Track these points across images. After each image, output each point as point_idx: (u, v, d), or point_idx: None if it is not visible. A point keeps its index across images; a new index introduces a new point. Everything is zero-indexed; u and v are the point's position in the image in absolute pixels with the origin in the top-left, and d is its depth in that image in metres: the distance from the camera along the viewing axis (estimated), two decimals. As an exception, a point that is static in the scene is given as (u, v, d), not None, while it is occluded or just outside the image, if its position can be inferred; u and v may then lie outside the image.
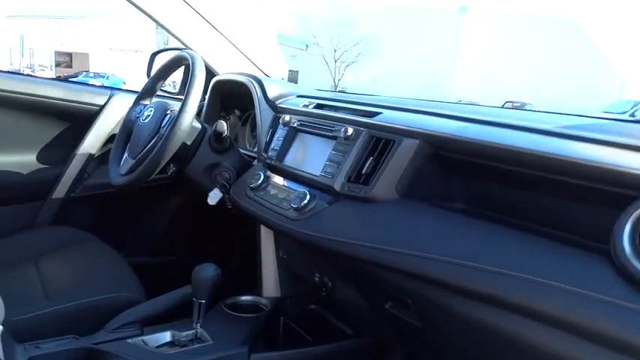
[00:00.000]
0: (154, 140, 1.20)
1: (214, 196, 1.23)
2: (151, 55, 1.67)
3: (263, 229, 1.24)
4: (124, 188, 1.22)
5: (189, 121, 1.12)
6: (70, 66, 26.05)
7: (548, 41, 23.96)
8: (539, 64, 23.58)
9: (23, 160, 1.50)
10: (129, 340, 0.98)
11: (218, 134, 1.22)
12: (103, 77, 19.50)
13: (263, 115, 1.26)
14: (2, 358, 0.81)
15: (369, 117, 0.96)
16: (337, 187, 0.92)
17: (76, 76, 18.54)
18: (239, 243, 1.47)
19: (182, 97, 1.18)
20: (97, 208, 1.59)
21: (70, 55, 27.74)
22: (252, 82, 1.32)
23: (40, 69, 24.93)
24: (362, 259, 0.85)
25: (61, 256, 1.31)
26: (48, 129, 1.51)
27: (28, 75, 1.47)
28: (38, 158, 1.52)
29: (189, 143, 1.24)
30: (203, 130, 1.27)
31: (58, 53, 27.60)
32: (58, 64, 26.43)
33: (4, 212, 1.47)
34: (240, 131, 1.51)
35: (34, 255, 1.28)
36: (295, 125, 1.10)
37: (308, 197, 0.93)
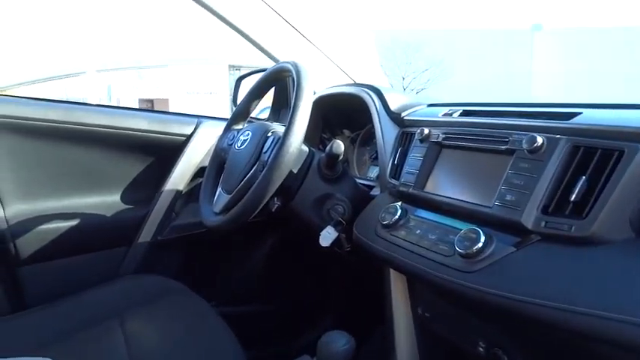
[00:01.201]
0: (253, 169, 0.97)
1: (328, 236, 0.97)
2: (237, 81, 1.48)
3: (393, 276, 0.96)
4: (220, 229, 0.99)
5: (298, 142, 0.89)
6: (152, 111, 27.71)
7: (623, 53, 22.30)
8: (618, 79, 21.93)
9: (107, 201, 1.34)
10: None
11: (332, 158, 0.98)
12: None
13: (385, 131, 1.00)
14: None
15: (565, 119, 0.67)
16: (528, 222, 0.63)
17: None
18: (356, 294, 1.20)
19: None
20: (184, 252, 1.39)
21: (151, 101, 29.59)
22: (367, 93, 1.07)
23: (126, 116, 26.68)
24: (577, 331, 0.55)
25: (147, 311, 1.11)
26: (132, 165, 1.35)
27: (107, 106, 1.29)
28: (122, 198, 1.35)
29: (295, 171, 1.00)
30: (311, 155, 1.03)
31: (141, 100, 29.56)
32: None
33: (88, 260, 1.31)
34: (349, 155, 1.26)
35: (120, 310, 1.09)
36: (439, 140, 0.83)
37: (483, 238, 0.65)
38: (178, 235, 1.36)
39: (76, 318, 1.09)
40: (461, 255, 0.66)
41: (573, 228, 0.59)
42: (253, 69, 1.46)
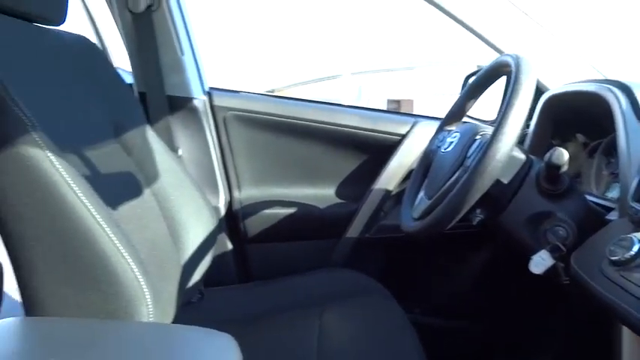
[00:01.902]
0: (455, 175, 0.88)
1: (541, 263, 0.82)
2: (465, 78, 1.38)
3: (626, 333, 0.74)
4: (415, 236, 0.93)
5: (506, 148, 0.76)
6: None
7: None
8: None
9: (323, 193, 1.41)
10: None
11: (552, 169, 0.81)
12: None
13: (632, 140, 0.78)
14: None
15: None
16: None
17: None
18: (575, 339, 0.99)
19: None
20: (388, 253, 1.37)
21: (398, 102, 30.89)
22: (612, 92, 0.85)
23: (373, 116, 28.50)
24: None
25: (345, 307, 1.13)
26: (347, 161, 1.39)
27: (330, 103, 1.36)
28: (336, 192, 1.40)
29: (506, 181, 0.86)
30: (528, 164, 0.88)
31: (389, 101, 31.15)
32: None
33: (302, 247, 1.41)
34: (584, 167, 1.04)
35: (321, 301, 1.13)
36: None
37: None
38: (384, 235, 1.35)
39: (282, 300, 1.18)
40: None
41: None
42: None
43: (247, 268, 1.40)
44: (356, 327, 1.07)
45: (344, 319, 1.10)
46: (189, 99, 1.29)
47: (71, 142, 0.77)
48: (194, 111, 1.30)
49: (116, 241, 0.72)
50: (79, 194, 0.71)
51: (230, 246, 1.36)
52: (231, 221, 1.36)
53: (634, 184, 0.73)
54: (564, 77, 1.13)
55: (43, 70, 0.82)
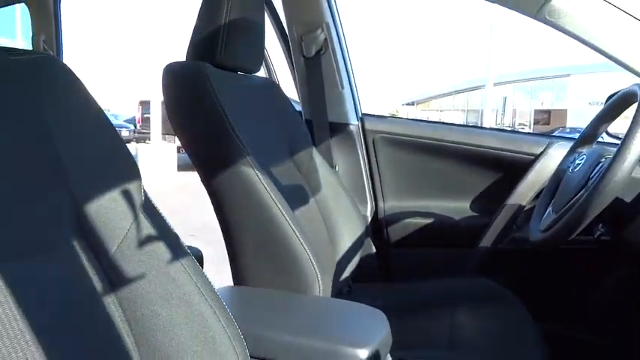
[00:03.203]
0: (580, 193, 1.00)
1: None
2: (607, 98, 1.44)
3: None
4: (539, 246, 1.06)
5: (626, 170, 0.86)
6: (547, 123, 26.90)
7: None
8: None
9: (459, 206, 1.57)
10: None
11: (672, 190, 0.89)
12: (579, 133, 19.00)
13: None
14: None
15: None
16: None
17: (552, 133, 18.88)
18: None
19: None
20: (520, 264, 1.48)
21: (548, 112, 28.69)
22: None
23: (520, 127, 26.86)
24: None
25: (475, 309, 1.28)
26: (481, 177, 1.54)
27: (466, 125, 1.52)
28: (471, 206, 1.56)
29: (628, 200, 0.96)
30: (653, 185, 0.96)
31: (537, 111, 29.08)
32: (536, 122, 27.78)
33: (439, 254, 1.58)
34: None
35: (453, 302, 1.30)
36: None
37: None
38: (517, 247, 1.46)
39: (419, 298, 1.36)
40: None
41: None
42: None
43: (389, 270, 1.61)
44: (485, 326, 1.22)
45: (474, 319, 1.25)
46: (346, 124, 1.56)
47: (265, 161, 1.06)
48: (349, 134, 1.56)
49: (299, 236, 0.99)
50: (275, 199, 1.00)
51: (374, 249, 1.59)
52: (377, 228, 1.60)
53: None
54: None
55: (246, 107, 1.13)
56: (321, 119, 1.53)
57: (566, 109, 26.55)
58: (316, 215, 1.30)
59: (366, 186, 1.59)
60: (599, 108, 1.44)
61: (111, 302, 0.62)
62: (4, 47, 0.62)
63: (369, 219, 1.58)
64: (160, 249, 0.67)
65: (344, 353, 0.76)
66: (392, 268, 1.61)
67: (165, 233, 0.68)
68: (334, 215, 1.35)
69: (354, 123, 1.57)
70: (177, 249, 0.68)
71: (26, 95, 0.59)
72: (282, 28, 1.57)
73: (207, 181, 1.05)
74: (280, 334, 0.80)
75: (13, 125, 0.57)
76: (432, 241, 1.56)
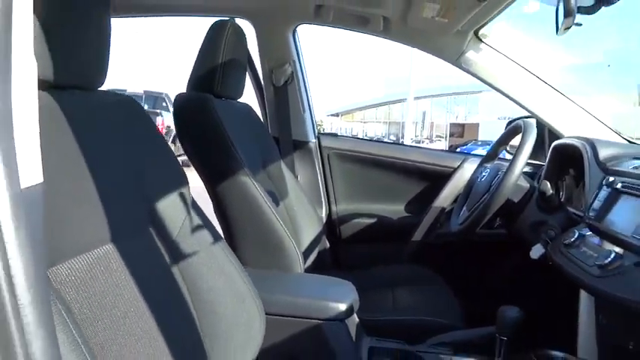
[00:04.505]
0: (484, 196, 1.41)
1: (536, 251, 1.32)
2: (507, 124, 1.89)
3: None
4: (458, 235, 1.46)
5: (513, 180, 1.28)
6: (461, 136, 28.85)
7: None
8: None
9: (395, 208, 1.96)
10: (442, 356, 1.19)
11: (542, 194, 1.32)
12: (489, 145, 20.59)
13: (592, 176, 1.28)
14: (353, 340, 1.17)
15: None
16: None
17: (465, 145, 20.36)
18: (555, 299, 1.47)
19: (535, 162, 1.33)
20: (444, 253, 1.89)
21: (462, 126, 30.84)
22: (584, 145, 1.36)
23: (437, 139, 28.61)
24: None
25: (411, 286, 1.66)
26: (413, 185, 1.94)
27: (399, 144, 1.92)
28: (405, 208, 1.95)
29: (516, 200, 1.38)
30: (532, 190, 1.39)
31: (452, 125, 31.15)
32: (451, 135, 29.69)
33: (379, 247, 1.96)
34: (574, 192, 1.53)
35: (394, 283, 1.67)
36: (618, 187, 1.10)
37: (612, 256, 0.94)
38: (441, 240, 1.87)
39: (365, 282, 1.71)
40: (598, 266, 0.96)
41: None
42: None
43: (340, 260, 1.97)
44: (418, 297, 1.60)
45: (410, 293, 1.63)
46: (307, 142, 1.91)
47: (252, 171, 1.36)
48: (309, 150, 1.91)
49: (284, 227, 1.32)
50: (265, 200, 1.32)
51: (329, 244, 1.93)
52: (331, 226, 1.95)
53: (589, 201, 1.23)
54: (578, 130, 1.60)
55: (238, 128, 1.43)
56: (286, 137, 1.86)
57: (478, 123, 28.62)
58: (285, 216, 1.62)
59: (322, 192, 1.94)
60: (505, 122, 1.88)
61: (176, 271, 0.91)
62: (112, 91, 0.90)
63: (325, 219, 1.93)
64: (205, 235, 0.97)
65: (330, 306, 1.10)
66: (342, 258, 1.96)
67: (207, 223, 0.98)
68: (298, 216, 1.68)
69: (312, 141, 1.92)
70: (216, 235, 0.98)
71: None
72: (253, 65, 1.88)
73: (211, 185, 1.35)
74: (283, 295, 1.13)
75: (124, 146, 0.84)
76: (375, 237, 1.94)
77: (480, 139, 24.42)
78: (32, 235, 0.38)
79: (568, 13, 0.95)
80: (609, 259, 0.95)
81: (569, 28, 1.06)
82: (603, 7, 1.03)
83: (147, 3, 1.71)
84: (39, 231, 0.39)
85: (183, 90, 1.41)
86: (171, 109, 1.47)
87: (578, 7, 1.02)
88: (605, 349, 1.17)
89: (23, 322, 0.36)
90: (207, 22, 1.47)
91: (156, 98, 11.22)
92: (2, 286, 0.35)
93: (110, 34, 0.77)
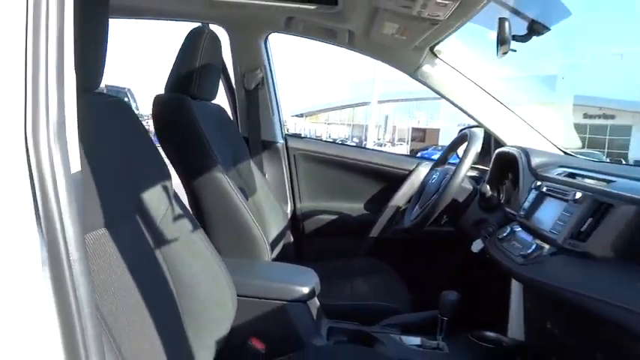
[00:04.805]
0: (434, 196, 1.58)
1: (477, 246, 1.50)
2: (459, 131, 2.07)
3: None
4: (411, 230, 1.63)
5: (457, 183, 1.46)
6: (423, 140, 29.55)
7: None
8: None
9: (354, 206, 2.12)
10: (392, 335, 1.35)
11: (483, 195, 1.51)
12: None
13: (525, 180, 1.47)
14: (314, 320, 1.31)
15: (603, 184, 1.09)
16: (559, 241, 1.08)
17: (426, 149, 20.91)
18: (491, 286, 1.65)
19: (480, 167, 1.50)
20: (397, 248, 2.06)
21: (424, 130, 31.60)
22: (520, 153, 1.55)
23: (399, 143, 29.18)
24: (575, 305, 0.99)
25: (366, 277, 1.82)
26: (371, 185, 2.11)
27: (361, 147, 2.08)
28: (364, 206, 2.11)
29: (460, 200, 1.56)
30: (475, 191, 1.58)
31: (414, 129, 31.86)
32: (413, 139, 30.36)
33: (340, 241, 2.11)
34: (512, 194, 1.73)
35: (351, 273, 1.83)
36: (544, 190, 1.29)
37: (533, 247, 1.12)
38: (396, 236, 2.04)
39: (325, 273, 1.86)
40: (522, 256, 1.14)
41: (579, 247, 1.02)
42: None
43: (302, 253, 2.11)
44: (373, 286, 1.76)
45: (366, 282, 1.79)
46: (275, 142, 2.04)
47: (225, 169, 1.49)
48: (277, 150, 2.04)
49: (254, 219, 1.45)
50: (237, 195, 1.44)
51: (292, 238, 2.07)
52: (295, 222, 2.08)
53: (521, 202, 1.42)
54: (519, 139, 1.80)
55: (212, 128, 1.55)
56: (256, 137, 1.99)
57: (439, 129, 29.37)
58: (254, 211, 1.75)
59: (288, 190, 2.08)
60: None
61: (159, 255, 1.03)
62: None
63: (290, 215, 2.07)
64: (186, 223, 1.09)
65: (294, 289, 1.24)
66: (305, 252, 2.10)
67: (187, 214, 1.11)
68: (265, 211, 1.81)
69: (280, 142, 2.05)
70: (195, 224, 1.10)
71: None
72: (225, 69, 2.00)
73: (187, 180, 1.47)
74: (252, 279, 1.26)
75: (116, 142, 0.95)
76: (335, 232, 2.09)
77: (440, 144, 25.09)
78: (77, 208, 0.50)
79: (502, 42, 1.13)
80: (531, 250, 1.13)
81: (506, 52, 1.25)
82: (534, 37, 1.22)
83: (127, 6, 1.80)
84: (80, 205, 0.51)
85: (145, 86, 1.52)
86: (133, 103, 1.57)
87: (513, 36, 1.20)
88: (530, 329, 1.36)
89: (73, 272, 0.48)
90: (173, 25, 1.58)
91: (118, 92, 11.18)
92: (60, 246, 0.47)
93: (108, 36, 0.83)
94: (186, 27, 1.68)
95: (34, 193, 0.46)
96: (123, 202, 0.93)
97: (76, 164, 0.52)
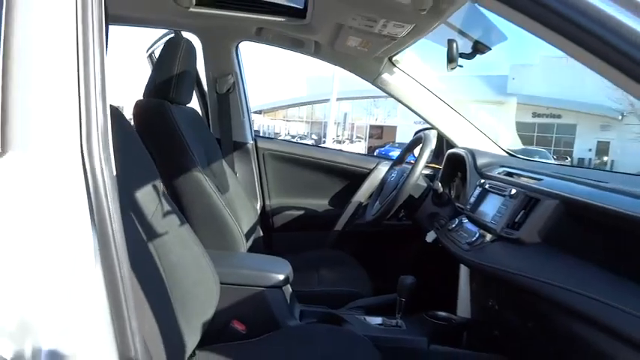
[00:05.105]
0: (392, 192, 1.76)
1: (430, 236, 1.70)
2: (415, 133, 2.26)
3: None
4: (371, 223, 1.80)
5: (413, 180, 1.64)
6: (380, 137, 30.09)
7: None
8: None
9: (320, 202, 2.29)
10: (357, 316, 1.52)
11: (435, 191, 1.70)
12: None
13: (471, 178, 1.67)
14: (288, 304, 1.46)
15: (534, 182, 1.29)
16: (498, 230, 1.27)
17: (383, 146, 21.38)
18: (443, 271, 1.85)
19: (434, 166, 1.68)
20: (360, 240, 2.24)
21: (381, 128, 32.18)
22: (467, 154, 1.75)
23: (357, 140, 29.61)
24: (510, 283, 1.18)
25: (332, 266, 1.99)
26: (335, 183, 2.28)
27: (325, 147, 2.25)
28: (329, 202, 2.28)
29: (416, 196, 1.75)
30: (429, 188, 1.77)
31: (372, 127, 32.39)
32: (371, 136, 30.86)
33: (307, 235, 2.27)
34: (461, 190, 1.94)
35: (318, 264, 1.99)
36: (487, 187, 1.49)
37: (477, 236, 1.32)
38: (358, 229, 2.22)
39: (294, 263, 2.02)
40: (467, 243, 1.33)
41: (513, 235, 1.22)
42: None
43: (272, 246, 2.25)
44: (337, 273, 1.93)
45: (331, 273, 1.95)
46: (245, 143, 2.17)
47: (203, 169, 1.61)
48: (247, 150, 2.17)
49: (231, 215, 1.58)
50: (215, 192, 1.58)
51: (262, 232, 2.21)
52: (264, 217, 2.23)
53: (468, 198, 1.62)
54: (467, 141, 2.01)
55: (190, 130, 1.67)
56: (227, 139, 2.11)
57: (396, 126, 29.97)
58: (227, 208, 1.88)
59: (257, 187, 2.21)
60: (421, 126, 2.25)
61: (151, 246, 1.15)
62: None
63: (259, 211, 2.21)
64: (173, 217, 1.22)
65: (271, 276, 1.38)
66: (274, 245, 2.25)
67: (175, 209, 1.24)
68: (237, 208, 1.94)
69: (250, 142, 2.19)
70: (182, 219, 1.23)
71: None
72: (197, 75, 2.11)
73: (168, 180, 1.58)
74: (233, 269, 1.39)
75: None
76: (302, 226, 2.25)
77: (397, 141, 25.67)
78: (114, 197, 0.63)
79: (451, 60, 1.32)
80: (475, 238, 1.32)
81: (454, 68, 1.44)
82: (478, 55, 1.41)
83: (110, 14, 1.88)
84: (117, 194, 0.64)
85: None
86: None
87: (460, 54, 1.39)
88: (476, 308, 1.57)
89: (119, 256, 0.62)
90: (141, 31, 1.70)
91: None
92: (109, 236, 0.61)
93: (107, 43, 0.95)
94: (152, 33, 1.81)
95: (89, 193, 0.60)
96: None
97: (114, 168, 0.65)
